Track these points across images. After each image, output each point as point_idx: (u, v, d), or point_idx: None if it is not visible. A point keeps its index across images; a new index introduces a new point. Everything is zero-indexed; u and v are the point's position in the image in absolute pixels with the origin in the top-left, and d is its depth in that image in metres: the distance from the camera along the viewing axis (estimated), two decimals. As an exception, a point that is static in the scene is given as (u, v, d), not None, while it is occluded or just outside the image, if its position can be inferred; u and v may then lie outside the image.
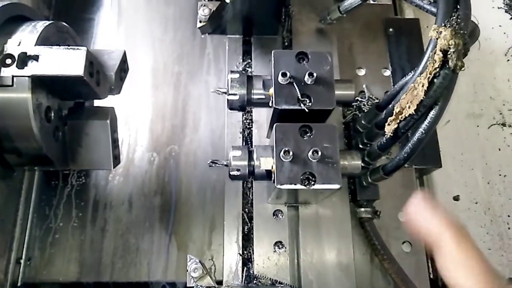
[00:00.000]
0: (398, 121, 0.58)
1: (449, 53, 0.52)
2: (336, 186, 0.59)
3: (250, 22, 0.84)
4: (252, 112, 0.84)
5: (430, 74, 0.53)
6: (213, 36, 0.97)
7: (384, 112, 0.65)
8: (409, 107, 0.56)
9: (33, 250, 0.84)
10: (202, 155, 0.91)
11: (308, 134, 0.62)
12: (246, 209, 0.78)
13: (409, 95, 0.56)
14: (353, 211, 0.79)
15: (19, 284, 0.82)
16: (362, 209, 0.77)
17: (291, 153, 0.59)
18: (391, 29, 0.93)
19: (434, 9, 0.67)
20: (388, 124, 0.60)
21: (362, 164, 0.66)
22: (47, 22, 0.59)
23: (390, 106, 0.62)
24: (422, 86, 0.54)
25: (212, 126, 0.93)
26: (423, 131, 0.56)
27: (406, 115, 0.57)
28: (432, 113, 0.55)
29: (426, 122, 0.56)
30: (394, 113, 0.58)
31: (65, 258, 0.84)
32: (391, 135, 0.60)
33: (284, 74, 0.62)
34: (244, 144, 0.83)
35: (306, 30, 0.86)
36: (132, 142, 0.92)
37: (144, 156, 0.91)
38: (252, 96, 0.66)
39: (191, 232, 0.86)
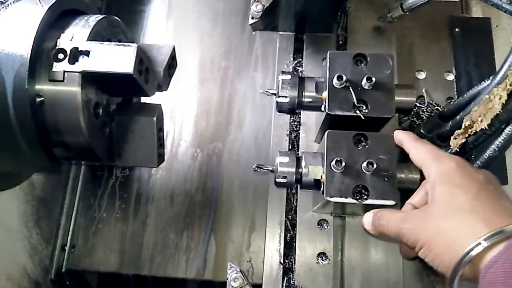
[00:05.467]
0: (466, 135, 0.52)
1: (535, 62, 0.45)
2: (391, 203, 0.54)
3: (304, 18, 0.79)
4: (300, 114, 0.80)
5: (510, 85, 0.47)
6: (262, 32, 0.93)
7: (450, 123, 0.59)
8: (481, 121, 0.50)
9: (77, 238, 0.86)
10: (245, 154, 0.89)
11: (362, 144, 0.57)
12: (290, 216, 0.75)
13: (482, 108, 0.50)
14: (404, 226, 0.73)
15: (63, 270, 0.84)
16: (415, 225, 0.71)
17: (343, 163, 0.55)
18: (457, 29, 0.85)
19: (514, 10, 0.60)
20: (455, 138, 0.54)
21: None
22: (99, 17, 0.57)
23: (457, 117, 0.56)
24: (500, 98, 0.48)
25: (257, 124, 0.90)
26: (496, 149, 0.50)
27: (477, 130, 0.51)
28: (508, 129, 0.49)
29: (500, 139, 0.50)
30: (463, 127, 0.52)
31: (107, 248, 0.85)
32: (457, 150, 0.54)
33: (339, 78, 0.58)
34: (290, 147, 0.79)
35: (363, 28, 0.81)
36: (177, 136, 0.92)
37: (187, 152, 0.91)
38: (303, 99, 0.63)
39: (230, 231, 0.84)
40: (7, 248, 0.71)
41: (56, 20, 0.55)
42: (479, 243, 0.42)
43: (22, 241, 0.74)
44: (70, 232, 0.86)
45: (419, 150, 0.54)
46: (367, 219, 0.56)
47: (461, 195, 0.47)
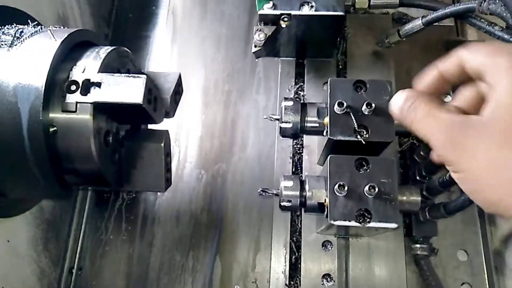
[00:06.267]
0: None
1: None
2: (393, 225, 0.56)
3: (304, 45, 0.82)
4: (303, 137, 0.82)
5: (504, 112, 0.49)
6: (264, 56, 0.96)
7: (448, 147, 0.60)
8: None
9: (84, 260, 0.87)
10: (249, 174, 0.91)
11: (364, 168, 0.59)
12: (294, 238, 0.76)
13: (479, 133, 0.52)
14: (408, 246, 0.74)
15: (70, 293, 0.85)
16: (418, 246, 0.72)
17: (346, 187, 0.56)
18: (453, 52, 0.88)
19: (507, 36, 0.62)
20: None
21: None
22: (109, 48, 0.60)
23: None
24: (495, 124, 0.49)
25: (260, 145, 0.92)
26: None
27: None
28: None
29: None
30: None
31: (114, 270, 0.86)
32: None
33: (340, 104, 0.60)
34: (293, 169, 0.81)
35: (362, 53, 0.84)
36: (182, 158, 0.94)
37: (192, 173, 0.92)
38: (305, 124, 0.65)
39: (236, 252, 0.85)
40: (17, 273, 0.72)
41: (68, 53, 0.58)
42: None
43: (32, 265, 0.75)
44: (77, 255, 0.87)
45: (475, 53, 0.40)
46: (397, 101, 0.44)
47: None
